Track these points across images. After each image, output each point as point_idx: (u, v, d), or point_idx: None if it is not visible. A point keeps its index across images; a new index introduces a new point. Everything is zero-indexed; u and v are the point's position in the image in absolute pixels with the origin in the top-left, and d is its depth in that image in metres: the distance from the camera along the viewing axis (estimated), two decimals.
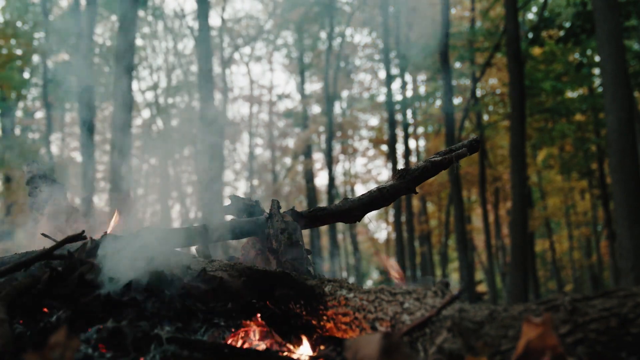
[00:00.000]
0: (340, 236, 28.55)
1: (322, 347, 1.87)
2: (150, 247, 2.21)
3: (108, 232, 2.60)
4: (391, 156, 19.75)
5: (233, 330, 1.86)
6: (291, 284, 1.99)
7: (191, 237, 2.61)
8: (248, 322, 1.95)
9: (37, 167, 3.22)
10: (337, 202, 2.81)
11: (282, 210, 2.64)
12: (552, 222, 26.76)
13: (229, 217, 2.93)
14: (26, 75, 20.29)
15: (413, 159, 24.84)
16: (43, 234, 2.47)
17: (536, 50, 17.46)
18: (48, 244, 2.40)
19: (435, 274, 26.73)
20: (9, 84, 17.57)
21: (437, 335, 1.33)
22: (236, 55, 28.10)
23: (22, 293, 1.69)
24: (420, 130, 25.82)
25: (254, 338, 1.91)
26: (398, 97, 21.60)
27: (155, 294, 1.86)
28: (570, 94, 19.78)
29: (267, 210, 2.70)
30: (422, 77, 24.01)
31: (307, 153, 26.36)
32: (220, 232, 2.63)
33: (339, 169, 29.38)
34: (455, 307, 1.38)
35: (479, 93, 21.18)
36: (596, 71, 18.19)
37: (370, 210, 2.73)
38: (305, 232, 2.80)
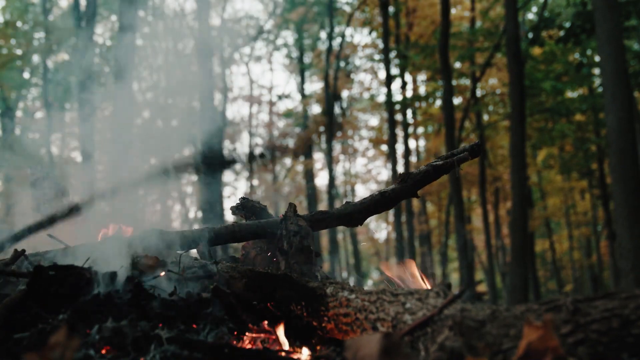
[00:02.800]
0: (340, 236, 28.57)
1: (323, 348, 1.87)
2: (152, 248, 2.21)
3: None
4: (391, 156, 19.74)
5: (235, 333, 1.86)
6: (292, 286, 1.99)
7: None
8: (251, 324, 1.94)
9: (41, 169, 3.23)
10: (338, 205, 2.82)
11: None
12: (552, 222, 26.76)
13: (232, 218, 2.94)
14: (26, 75, 20.28)
15: (413, 159, 24.84)
16: (49, 235, 2.48)
17: (536, 50, 17.45)
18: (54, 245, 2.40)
19: (435, 274, 26.73)
20: (9, 84, 17.56)
21: (439, 334, 1.33)
22: (236, 55, 28.11)
23: (13, 308, 1.67)
24: (420, 130, 25.82)
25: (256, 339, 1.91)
26: (398, 97, 21.60)
27: (157, 294, 1.85)
28: (570, 94, 19.77)
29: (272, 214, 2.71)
30: (422, 77, 24.02)
31: (307, 153, 26.36)
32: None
33: (339, 169, 29.39)
34: (457, 307, 1.38)
35: (479, 93, 21.17)
36: (596, 71, 18.19)
37: (372, 214, 2.74)
38: None
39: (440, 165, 2.67)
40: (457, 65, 20.32)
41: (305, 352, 1.85)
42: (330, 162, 23.00)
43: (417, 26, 21.67)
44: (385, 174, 30.11)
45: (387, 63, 19.53)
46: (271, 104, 29.67)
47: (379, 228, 33.11)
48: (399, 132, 21.72)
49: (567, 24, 13.60)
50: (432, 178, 2.71)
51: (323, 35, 25.60)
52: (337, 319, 1.79)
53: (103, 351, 1.54)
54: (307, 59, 27.71)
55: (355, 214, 2.71)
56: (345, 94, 27.18)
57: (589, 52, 17.67)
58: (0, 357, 1.50)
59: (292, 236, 2.47)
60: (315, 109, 27.45)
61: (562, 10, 16.05)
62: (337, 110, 26.59)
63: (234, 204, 3.03)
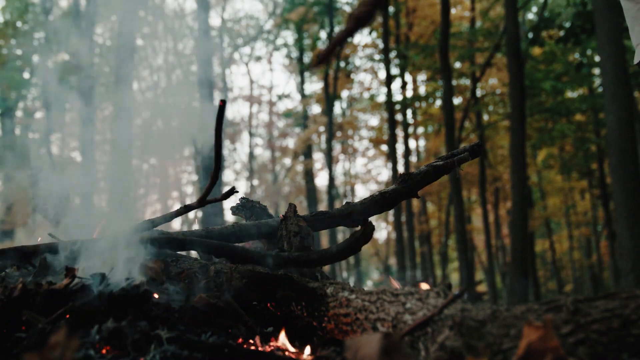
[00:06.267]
0: (340, 236, 28.58)
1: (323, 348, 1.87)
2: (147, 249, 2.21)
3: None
4: (391, 156, 19.74)
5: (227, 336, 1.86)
6: (293, 286, 1.99)
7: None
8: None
9: (41, 170, 3.23)
10: (338, 205, 2.82)
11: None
12: (552, 222, 26.76)
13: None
14: (26, 75, 20.28)
15: (413, 159, 24.83)
16: (50, 235, 2.48)
17: (536, 50, 17.45)
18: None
19: (435, 274, 26.74)
20: (9, 84, 17.56)
21: (439, 334, 1.33)
22: (236, 55, 28.11)
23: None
24: (420, 130, 25.82)
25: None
26: (398, 97, 21.60)
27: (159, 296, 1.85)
28: (570, 94, 19.77)
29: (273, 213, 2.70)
30: (422, 77, 24.02)
31: (307, 153, 26.36)
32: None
33: (339, 169, 29.37)
34: (457, 307, 1.38)
35: (479, 93, 21.17)
36: (596, 71, 18.19)
37: (373, 215, 2.74)
38: None
39: (440, 165, 2.66)
40: (457, 65, 20.32)
41: (306, 352, 1.85)
42: (330, 162, 23.00)
43: (417, 26, 21.67)
44: (385, 174, 30.14)
45: (387, 63, 19.53)
46: (271, 104, 29.68)
47: (379, 228, 33.13)
48: (399, 132, 21.72)
49: (567, 24, 13.60)
50: (433, 178, 2.71)
51: (323, 35, 25.60)
52: (338, 319, 1.79)
53: (103, 351, 1.54)
54: (307, 59, 27.71)
55: (356, 215, 2.70)
56: (345, 94, 27.19)
57: (589, 52, 17.67)
58: (0, 357, 1.50)
59: (293, 236, 2.46)
60: (315, 109, 27.46)
61: (562, 10, 16.06)
62: (337, 110, 26.59)
63: (234, 204, 3.02)
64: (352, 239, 1.91)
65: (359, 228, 2.43)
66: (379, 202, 2.68)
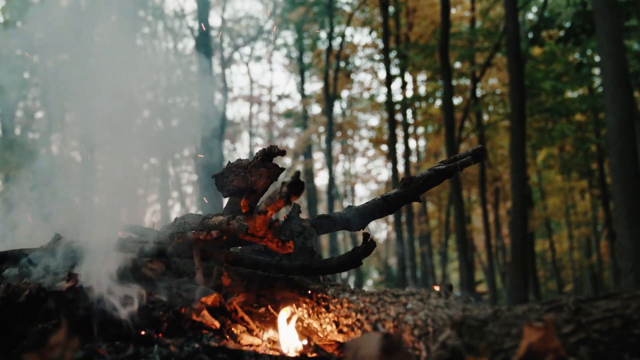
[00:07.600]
0: (340, 236, 28.55)
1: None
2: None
3: None
4: (391, 156, 19.72)
5: (227, 337, 1.86)
6: (294, 288, 1.98)
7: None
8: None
9: (41, 171, 3.23)
10: (338, 205, 2.80)
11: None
12: (552, 222, 26.75)
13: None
14: (26, 75, 20.25)
15: (413, 159, 24.83)
16: (57, 234, 2.48)
17: (536, 50, 17.44)
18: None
19: (435, 274, 26.71)
20: (8, 84, 17.53)
21: (441, 333, 1.33)
22: (236, 55, 28.10)
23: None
24: (420, 130, 25.81)
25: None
26: (398, 97, 21.59)
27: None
28: (570, 94, 19.76)
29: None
30: (422, 77, 24.01)
31: (307, 153, 26.34)
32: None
33: (339, 169, 29.37)
34: (459, 307, 1.38)
35: (479, 93, 21.16)
36: (596, 71, 18.18)
37: (374, 219, 2.72)
38: None
39: (443, 169, 2.65)
40: (457, 65, 20.31)
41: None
42: (330, 162, 22.98)
43: (417, 26, 21.66)
44: (385, 174, 30.11)
45: (387, 63, 19.51)
46: (271, 104, 29.68)
47: (379, 228, 33.10)
48: (399, 132, 21.72)
49: (567, 24, 13.59)
50: (435, 182, 2.69)
51: (323, 35, 25.60)
52: (338, 321, 1.79)
53: (100, 351, 1.54)
54: (307, 59, 27.70)
55: (357, 218, 2.68)
56: (345, 94, 27.18)
57: (589, 52, 17.66)
58: (0, 357, 1.50)
59: (296, 237, 2.45)
60: (315, 109, 27.46)
61: (562, 10, 16.05)
62: (337, 110, 26.58)
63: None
64: (354, 253, 1.91)
65: (360, 232, 2.42)
66: (381, 206, 2.67)
